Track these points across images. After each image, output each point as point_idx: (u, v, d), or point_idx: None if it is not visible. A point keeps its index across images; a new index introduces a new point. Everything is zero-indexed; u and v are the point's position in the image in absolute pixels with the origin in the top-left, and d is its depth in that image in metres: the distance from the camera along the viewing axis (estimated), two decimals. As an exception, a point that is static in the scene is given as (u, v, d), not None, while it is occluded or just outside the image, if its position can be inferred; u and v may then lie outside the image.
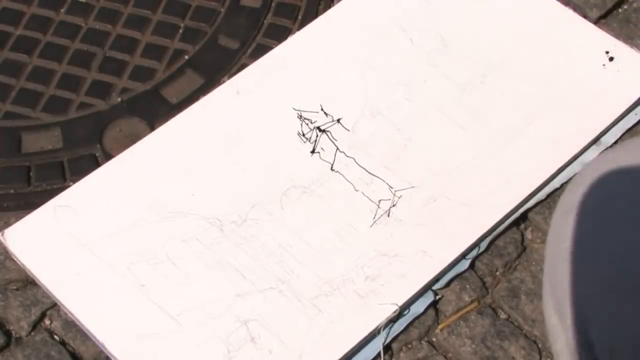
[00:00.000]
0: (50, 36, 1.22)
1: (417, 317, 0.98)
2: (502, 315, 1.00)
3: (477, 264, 1.02)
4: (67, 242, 1.00)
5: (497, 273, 1.02)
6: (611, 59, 1.15)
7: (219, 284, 0.98)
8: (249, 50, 1.21)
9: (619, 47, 1.16)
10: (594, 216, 0.67)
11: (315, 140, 1.09)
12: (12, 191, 1.09)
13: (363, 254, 1.00)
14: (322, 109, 1.11)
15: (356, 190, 1.05)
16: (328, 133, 1.09)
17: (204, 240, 1.01)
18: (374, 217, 1.03)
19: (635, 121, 1.12)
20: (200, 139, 1.09)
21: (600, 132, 1.10)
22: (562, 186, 1.07)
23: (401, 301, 0.97)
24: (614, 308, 0.64)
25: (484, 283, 1.01)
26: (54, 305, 0.99)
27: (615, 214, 0.66)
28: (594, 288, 0.65)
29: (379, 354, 0.96)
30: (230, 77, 1.16)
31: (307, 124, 1.10)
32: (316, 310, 0.96)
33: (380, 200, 1.04)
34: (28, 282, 1.01)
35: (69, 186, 1.06)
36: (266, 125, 1.10)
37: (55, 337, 0.98)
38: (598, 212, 0.66)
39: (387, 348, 0.97)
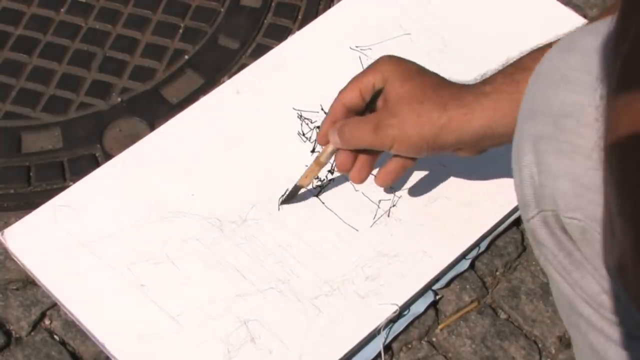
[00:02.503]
0: (50, 36, 1.22)
1: (417, 317, 0.98)
2: (502, 315, 1.00)
3: (477, 264, 1.02)
4: (67, 242, 1.00)
5: (497, 273, 1.02)
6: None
7: (219, 284, 0.98)
8: (249, 50, 1.21)
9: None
10: (551, 77, 0.68)
11: (316, 140, 1.09)
12: (12, 191, 1.09)
13: (363, 254, 1.00)
14: (322, 109, 1.11)
15: (356, 190, 1.05)
16: (328, 133, 1.09)
17: (204, 240, 1.01)
18: (374, 217, 1.03)
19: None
20: (200, 139, 1.09)
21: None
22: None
23: (401, 301, 0.97)
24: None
25: (484, 283, 1.01)
26: (54, 305, 0.99)
27: (569, 74, 0.67)
28: (544, 146, 0.67)
29: (379, 354, 0.96)
30: (230, 77, 1.16)
31: (307, 124, 1.10)
32: (316, 311, 0.96)
33: (380, 200, 1.04)
34: (28, 282, 1.01)
35: (69, 186, 1.06)
36: (266, 125, 1.10)
37: (55, 337, 0.98)
38: (555, 73, 0.68)
39: (387, 348, 0.97)
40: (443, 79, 0.92)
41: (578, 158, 0.65)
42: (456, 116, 0.86)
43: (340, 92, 0.95)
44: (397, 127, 0.89)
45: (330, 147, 0.95)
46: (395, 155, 0.94)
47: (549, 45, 0.83)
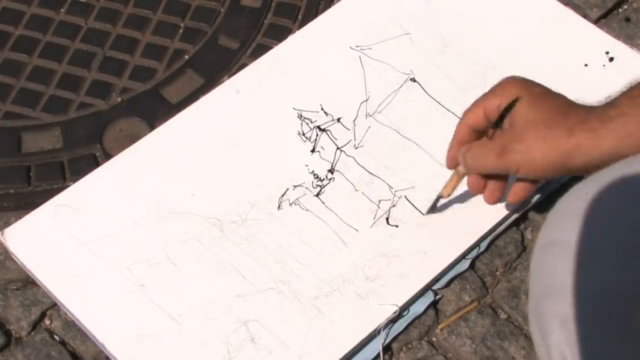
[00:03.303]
0: (50, 36, 1.22)
1: (417, 317, 0.98)
2: (502, 315, 1.00)
3: (477, 264, 1.02)
4: (67, 242, 1.00)
5: (497, 273, 1.02)
6: (611, 59, 1.15)
7: (219, 284, 0.98)
8: (249, 50, 1.21)
9: (619, 47, 1.16)
10: (574, 252, 0.67)
11: (316, 140, 1.09)
12: (12, 191, 1.09)
13: (363, 255, 1.00)
14: (322, 109, 1.11)
15: (356, 190, 1.05)
16: (328, 132, 1.09)
17: (204, 240, 1.01)
18: (374, 217, 1.03)
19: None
20: (200, 139, 1.09)
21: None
22: (562, 186, 1.07)
23: (401, 302, 0.97)
24: (594, 348, 0.65)
25: (484, 283, 1.01)
26: (54, 305, 0.99)
27: (594, 251, 0.66)
28: (574, 326, 0.66)
29: (378, 355, 0.96)
30: (230, 77, 1.16)
31: (307, 124, 1.10)
32: (316, 311, 0.96)
33: (380, 200, 1.04)
34: (28, 282, 1.01)
35: (69, 186, 1.06)
36: (266, 125, 1.10)
37: (55, 337, 0.98)
38: (577, 248, 0.67)
39: (387, 348, 0.97)
40: (569, 102, 0.91)
41: (627, 342, 0.63)
42: (583, 141, 0.86)
43: (464, 115, 0.95)
44: (523, 153, 0.89)
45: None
46: (520, 178, 0.95)
47: None
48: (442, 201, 1.01)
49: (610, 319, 0.64)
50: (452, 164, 0.98)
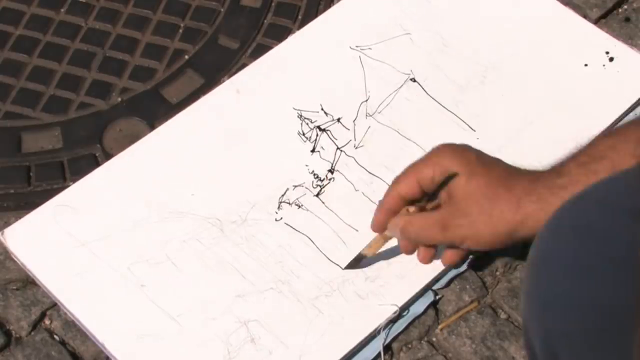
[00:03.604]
0: (50, 36, 1.22)
1: (417, 317, 0.98)
2: (502, 315, 1.00)
3: (477, 264, 1.02)
4: (67, 242, 1.00)
5: (497, 273, 1.02)
6: (611, 59, 1.15)
7: (219, 284, 0.98)
8: (249, 50, 1.21)
9: (619, 47, 1.16)
10: (563, 269, 0.67)
11: (316, 140, 1.09)
12: (12, 191, 1.09)
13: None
14: (322, 109, 1.11)
15: (356, 190, 1.05)
16: (328, 132, 1.09)
17: (204, 240, 1.01)
18: (374, 218, 1.03)
19: (635, 121, 1.12)
20: (200, 139, 1.09)
21: (600, 133, 1.10)
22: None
23: (401, 302, 0.97)
24: None
25: (484, 283, 1.01)
26: (54, 305, 0.99)
27: (585, 268, 0.66)
28: (565, 348, 0.65)
29: (379, 354, 0.96)
30: (230, 77, 1.16)
31: (307, 124, 1.10)
32: (316, 311, 0.96)
33: (380, 201, 1.04)
34: (28, 282, 1.01)
35: (69, 186, 1.06)
36: (266, 125, 1.10)
37: (55, 337, 0.98)
38: (568, 264, 0.67)
39: (387, 348, 0.97)
40: (510, 169, 0.89)
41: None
42: (532, 213, 0.85)
43: (396, 182, 0.93)
44: (468, 227, 0.88)
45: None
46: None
47: (622, 129, 0.81)
48: (363, 261, 0.99)
49: (604, 335, 0.64)
50: (379, 228, 0.95)
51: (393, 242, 0.98)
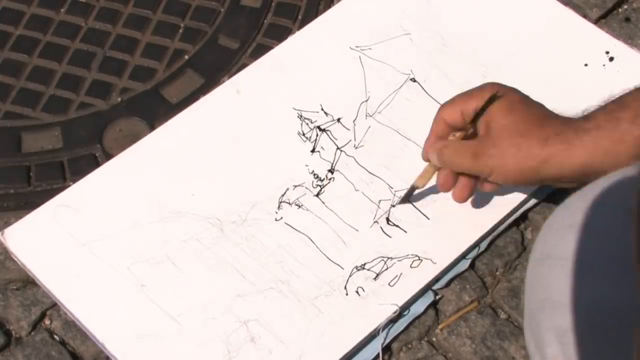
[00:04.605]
0: (50, 36, 1.22)
1: (417, 317, 0.98)
2: (502, 315, 1.00)
3: (477, 264, 1.02)
4: (67, 242, 1.00)
5: (497, 273, 1.02)
6: (611, 59, 1.15)
7: (219, 284, 0.98)
8: (249, 50, 1.21)
9: (619, 47, 1.16)
10: (569, 266, 0.67)
11: (316, 140, 1.09)
12: (12, 191, 1.09)
13: (363, 254, 1.00)
14: (322, 109, 1.11)
15: (356, 190, 1.05)
16: (328, 132, 1.09)
17: (204, 240, 1.01)
18: (374, 217, 1.03)
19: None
20: (200, 139, 1.09)
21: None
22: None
23: (401, 301, 0.97)
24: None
25: (484, 283, 1.01)
26: (54, 305, 0.99)
27: (589, 266, 0.66)
28: (569, 340, 0.66)
29: (378, 355, 0.96)
30: (230, 77, 1.16)
31: (307, 124, 1.10)
32: (316, 311, 0.96)
33: (380, 201, 1.04)
34: (28, 282, 1.01)
35: (69, 186, 1.06)
36: (266, 125, 1.10)
37: (55, 337, 0.98)
38: (572, 263, 0.67)
39: (387, 348, 0.97)
40: (546, 111, 0.92)
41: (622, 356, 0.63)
42: (556, 152, 0.87)
43: (442, 108, 0.96)
44: (497, 158, 0.90)
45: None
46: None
47: None
48: (417, 191, 1.01)
49: (605, 333, 0.64)
50: (427, 154, 0.98)
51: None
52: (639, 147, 0.84)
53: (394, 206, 1.03)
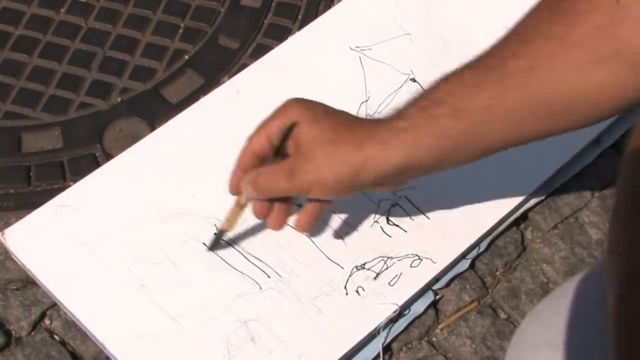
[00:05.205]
0: (50, 36, 1.22)
1: (417, 317, 0.98)
2: (502, 315, 1.00)
3: (477, 264, 1.02)
4: (68, 242, 1.00)
5: (497, 273, 1.03)
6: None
7: (219, 284, 0.98)
8: (249, 50, 1.21)
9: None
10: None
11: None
12: (12, 191, 1.09)
13: (363, 254, 1.00)
14: (322, 109, 1.11)
15: (356, 190, 1.05)
16: (328, 133, 1.09)
17: (204, 240, 1.01)
18: (374, 217, 1.03)
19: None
20: (200, 139, 1.09)
21: (600, 133, 1.10)
22: (562, 186, 1.07)
23: (401, 301, 0.97)
24: None
25: (484, 283, 1.01)
26: (54, 305, 0.99)
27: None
28: None
29: (378, 355, 0.96)
30: (230, 77, 1.16)
31: (307, 124, 1.10)
32: (316, 310, 0.96)
33: (380, 200, 1.04)
34: (28, 282, 1.01)
35: (69, 186, 1.06)
36: (266, 125, 1.10)
37: (55, 337, 0.98)
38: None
39: (387, 348, 0.97)
40: (354, 117, 0.90)
41: None
42: (373, 153, 0.84)
43: (249, 139, 0.93)
44: (313, 173, 0.87)
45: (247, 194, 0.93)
46: (311, 199, 0.92)
47: (459, 71, 0.83)
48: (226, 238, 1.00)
49: None
50: (235, 189, 0.94)
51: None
52: (463, 141, 0.83)
53: (394, 206, 1.02)
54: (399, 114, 0.85)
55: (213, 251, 1.00)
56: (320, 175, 0.87)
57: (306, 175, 0.87)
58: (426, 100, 0.84)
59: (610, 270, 0.54)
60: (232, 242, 1.01)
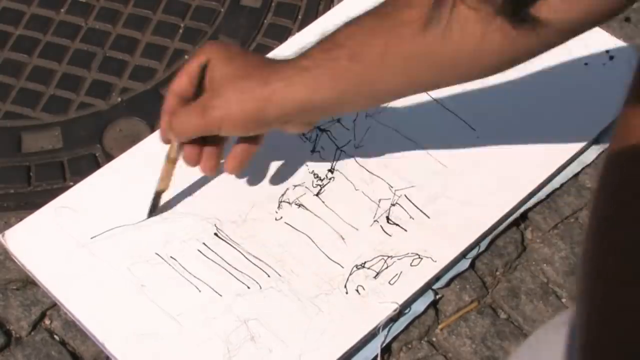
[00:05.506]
0: (50, 36, 1.22)
1: (417, 317, 0.98)
2: (502, 315, 1.00)
3: (477, 263, 1.02)
4: (68, 243, 1.00)
5: (497, 273, 1.02)
6: (611, 58, 1.15)
7: (219, 284, 0.98)
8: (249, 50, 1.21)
9: (619, 47, 1.16)
10: None
11: (316, 140, 1.09)
12: (12, 191, 1.09)
13: (363, 253, 1.00)
14: (322, 109, 1.11)
15: (356, 190, 1.05)
16: (328, 132, 1.09)
17: (204, 240, 1.01)
18: (374, 216, 1.03)
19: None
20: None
21: (600, 132, 1.10)
22: (562, 186, 1.07)
23: (401, 300, 0.97)
24: None
25: (484, 283, 1.01)
26: (54, 305, 0.99)
27: None
28: None
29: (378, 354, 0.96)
30: (230, 77, 1.15)
31: (307, 124, 1.10)
32: (316, 310, 0.96)
33: (380, 200, 1.04)
34: (28, 282, 1.01)
35: (69, 186, 1.06)
36: (266, 125, 1.10)
37: (55, 337, 0.98)
38: None
39: (387, 348, 0.97)
40: (265, 58, 0.94)
41: None
42: (278, 89, 0.88)
43: (170, 84, 0.95)
44: (222, 108, 0.90)
45: (175, 142, 0.95)
46: (240, 140, 0.96)
47: (360, 18, 0.88)
48: (164, 198, 1.00)
49: None
50: (165, 136, 0.96)
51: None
52: (360, 84, 0.87)
53: (394, 205, 1.02)
54: (305, 54, 0.89)
55: (152, 216, 1.01)
56: (228, 111, 0.90)
57: (216, 111, 0.90)
58: (329, 42, 0.88)
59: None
60: (232, 242, 1.01)
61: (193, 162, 0.96)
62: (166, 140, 0.97)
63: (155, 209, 1.01)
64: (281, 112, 0.89)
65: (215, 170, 0.97)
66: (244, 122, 0.91)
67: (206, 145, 0.95)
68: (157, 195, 0.99)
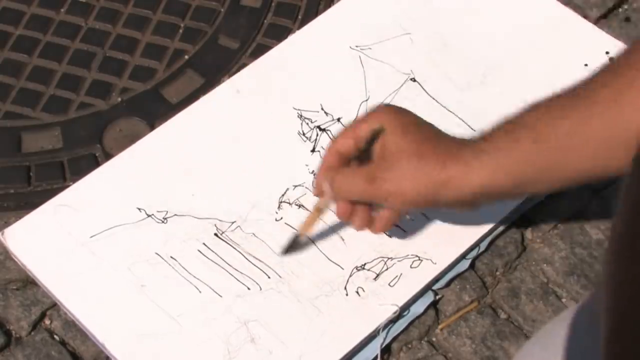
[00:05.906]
0: (50, 36, 1.22)
1: (417, 317, 0.98)
2: (502, 315, 1.00)
3: (477, 264, 1.02)
4: (68, 242, 1.00)
5: (497, 273, 1.02)
6: (611, 59, 1.15)
7: (219, 284, 0.98)
8: (249, 50, 1.21)
9: (619, 47, 1.16)
10: None
11: (316, 140, 1.09)
12: (12, 191, 1.09)
13: (363, 255, 1.00)
14: (322, 109, 1.11)
15: (356, 190, 1.05)
16: (328, 132, 1.09)
17: (204, 240, 1.01)
18: (374, 217, 1.03)
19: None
20: (200, 139, 1.09)
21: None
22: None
23: (401, 302, 0.97)
24: None
25: (484, 283, 1.01)
26: (54, 305, 0.99)
27: None
28: None
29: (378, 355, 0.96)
30: (230, 77, 1.16)
31: (308, 123, 1.10)
32: (316, 311, 0.96)
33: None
34: (28, 282, 1.01)
35: (69, 186, 1.06)
36: (266, 125, 1.10)
37: (55, 337, 0.98)
38: None
39: (387, 348, 0.97)
40: (441, 133, 0.90)
41: None
42: (456, 175, 0.85)
43: (335, 139, 0.92)
44: (394, 182, 0.87)
45: (330, 198, 0.93)
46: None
47: (551, 97, 0.83)
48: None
49: None
50: (319, 189, 0.93)
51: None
52: (543, 168, 0.83)
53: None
54: (484, 136, 0.86)
55: (287, 254, 0.99)
56: (399, 187, 0.87)
57: (385, 184, 0.88)
58: (512, 124, 0.84)
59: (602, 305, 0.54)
60: (232, 243, 1.01)
61: (345, 217, 0.94)
62: (320, 193, 0.93)
63: (290, 249, 0.99)
64: (455, 198, 0.86)
65: (366, 227, 0.94)
66: (413, 201, 0.87)
67: (359, 205, 0.92)
68: (297, 237, 0.98)
